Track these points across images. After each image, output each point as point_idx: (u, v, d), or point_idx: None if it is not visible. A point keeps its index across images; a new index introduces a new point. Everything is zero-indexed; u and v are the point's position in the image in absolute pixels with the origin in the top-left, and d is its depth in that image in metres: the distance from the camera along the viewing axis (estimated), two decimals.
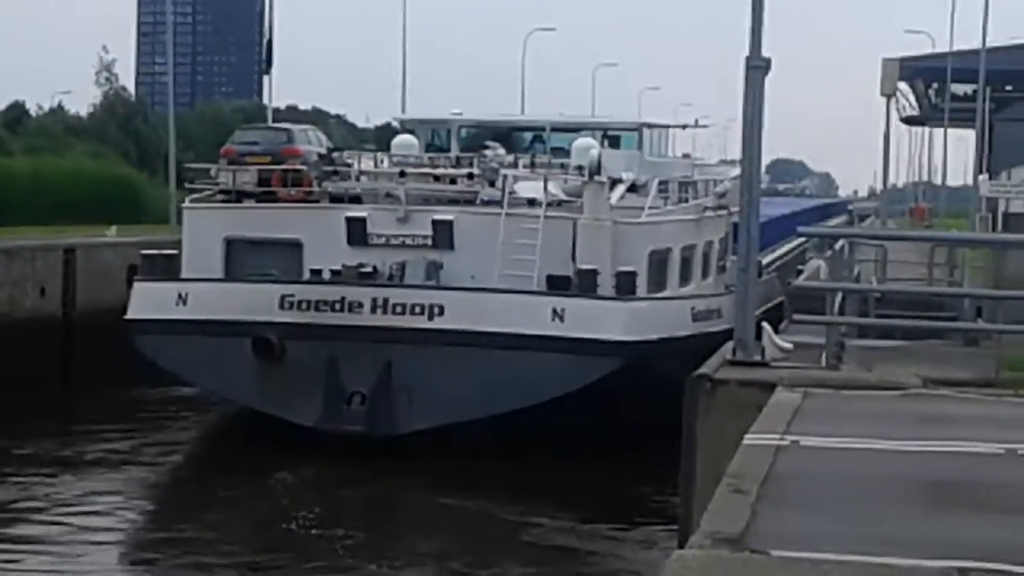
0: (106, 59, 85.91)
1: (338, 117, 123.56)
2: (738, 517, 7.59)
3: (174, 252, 28.27)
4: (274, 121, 39.51)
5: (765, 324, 15.73)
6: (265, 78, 43.75)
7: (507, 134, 33.98)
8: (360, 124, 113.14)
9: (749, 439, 10.31)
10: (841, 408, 12.48)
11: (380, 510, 22.69)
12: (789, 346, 15.54)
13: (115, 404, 30.14)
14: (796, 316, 17.51)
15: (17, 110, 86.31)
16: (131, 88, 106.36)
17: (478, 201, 28.11)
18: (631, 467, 22.67)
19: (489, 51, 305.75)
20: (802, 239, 45.49)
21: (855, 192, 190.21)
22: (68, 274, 34.07)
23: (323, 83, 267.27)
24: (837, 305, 18.30)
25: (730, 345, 15.27)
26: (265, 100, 50.57)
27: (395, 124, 35.62)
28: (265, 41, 42.14)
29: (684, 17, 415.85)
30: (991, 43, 57.23)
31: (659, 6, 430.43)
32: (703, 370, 14.33)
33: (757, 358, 15.04)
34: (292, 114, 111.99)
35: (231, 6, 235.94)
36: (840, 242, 19.80)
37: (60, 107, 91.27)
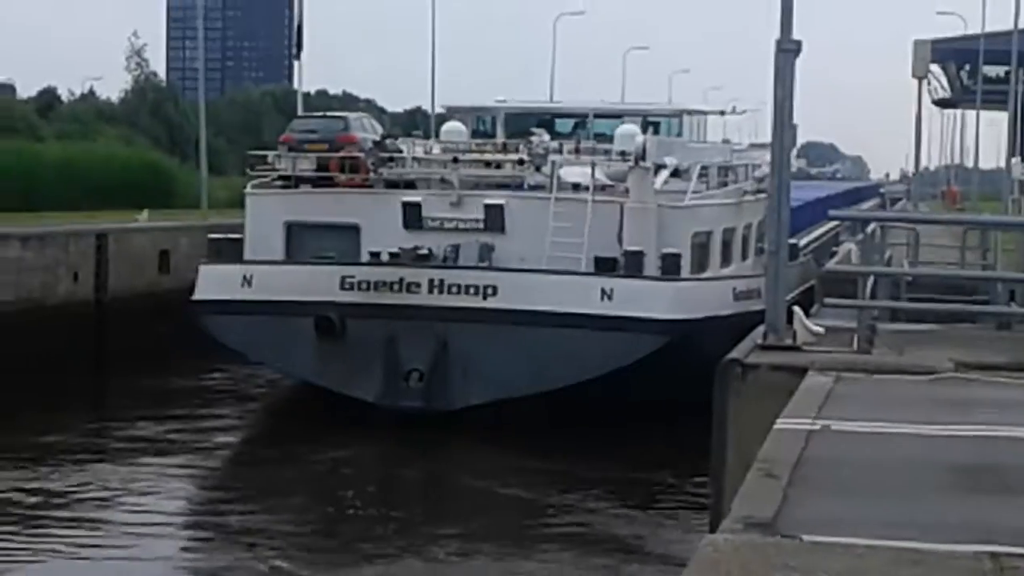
0: (136, 44, 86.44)
1: (368, 102, 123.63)
2: (769, 502, 7.58)
3: (238, 236, 29.46)
4: (304, 106, 39.77)
5: (796, 308, 15.67)
6: (295, 63, 43.72)
7: (550, 120, 35.22)
8: (389, 108, 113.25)
9: (780, 423, 10.29)
10: (873, 392, 12.44)
11: (429, 490, 23.07)
12: (820, 330, 15.49)
13: (150, 390, 30.36)
14: (827, 300, 17.43)
15: (49, 96, 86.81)
16: (162, 73, 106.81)
17: (525, 186, 29.25)
18: (673, 444, 22.97)
19: (518, 36, 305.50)
20: (836, 222, 45.36)
21: (887, 175, 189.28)
22: (100, 260, 34.23)
23: (352, 68, 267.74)
24: (869, 289, 18.21)
25: (761, 329, 15.22)
26: (295, 85, 50.63)
27: (441, 111, 36.74)
28: (295, 26, 42.14)
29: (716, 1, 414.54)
30: None
31: None
32: (734, 354, 14.28)
33: (788, 342, 14.98)
34: (322, 99, 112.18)
35: None
36: (872, 225, 19.73)
37: (91, 92, 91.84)
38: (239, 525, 20.09)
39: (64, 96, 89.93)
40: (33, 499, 21.18)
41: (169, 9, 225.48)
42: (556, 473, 22.71)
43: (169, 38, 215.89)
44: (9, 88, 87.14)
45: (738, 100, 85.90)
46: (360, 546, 18.98)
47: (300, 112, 38.19)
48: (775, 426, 10.16)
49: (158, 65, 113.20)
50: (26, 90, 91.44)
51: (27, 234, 32.61)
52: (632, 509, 20.95)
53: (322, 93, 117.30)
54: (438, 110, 44.03)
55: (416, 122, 50.16)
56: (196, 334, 29.93)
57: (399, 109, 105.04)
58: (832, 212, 22.82)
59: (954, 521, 7.51)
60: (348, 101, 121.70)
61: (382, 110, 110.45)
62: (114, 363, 32.46)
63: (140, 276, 35.75)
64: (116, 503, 21.21)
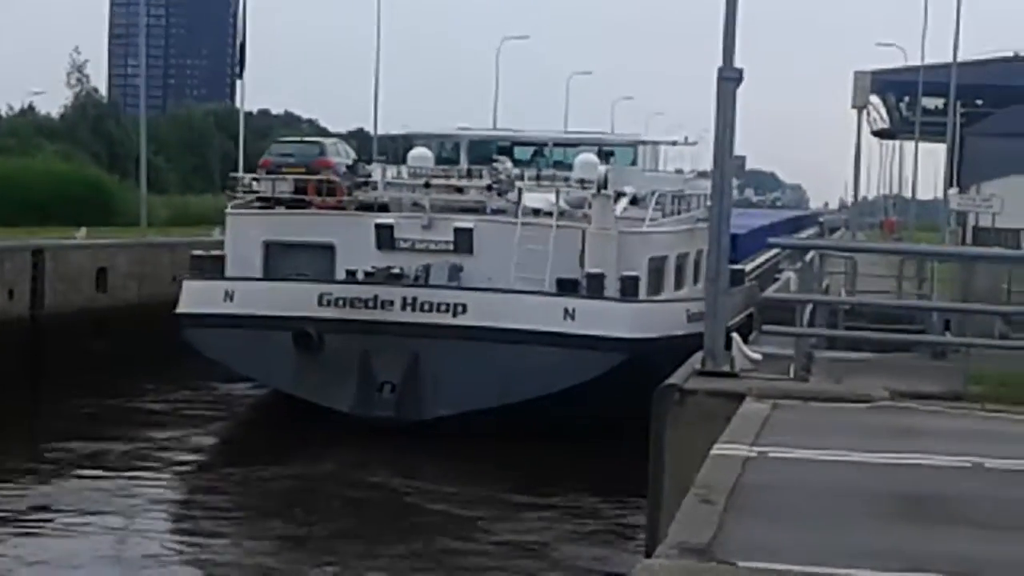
0: (78, 60, 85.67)
1: (310, 122, 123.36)
2: (705, 527, 7.60)
3: (220, 253, 31.01)
4: (246, 126, 39.88)
5: (735, 335, 15.76)
6: (238, 82, 43.62)
7: (510, 148, 37.31)
8: (332, 129, 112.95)
9: (717, 449, 10.32)
10: (809, 420, 12.51)
11: (389, 505, 23.23)
12: (758, 357, 15.57)
13: (87, 408, 30.12)
14: (766, 327, 17.53)
15: None
16: (103, 90, 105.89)
17: (488, 210, 30.96)
18: (623, 463, 23.19)
19: (462, 58, 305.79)
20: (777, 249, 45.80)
21: (826, 204, 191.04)
22: (36, 276, 33.92)
23: (294, 88, 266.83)
24: (807, 317, 18.34)
25: (700, 355, 15.28)
26: (238, 104, 50.46)
27: (385, 133, 39.12)
28: (238, 45, 42.04)
29: (658, 26, 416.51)
30: (962, 57, 57.53)
31: (633, 15, 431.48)
32: (672, 380, 14.33)
33: (726, 368, 15.05)
34: (264, 119, 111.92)
35: (204, 9, 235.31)
36: (810, 254, 19.86)
37: (31, 108, 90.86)
38: (201, 543, 20.10)
39: (3, 111, 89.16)
40: None
41: (111, 25, 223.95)
42: (509, 489, 23.33)
43: (111, 54, 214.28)
44: None
45: (681, 127, 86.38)
46: (324, 558, 19.11)
47: (241, 131, 38.43)
48: (712, 452, 10.20)
49: (99, 81, 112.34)
50: None
51: None
52: (575, 529, 21.33)
53: (264, 112, 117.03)
54: (397, 131, 45.06)
55: (381, 147, 50.41)
56: (134, 352, 29.80)
57: (341, 130, 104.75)
58: (771, 240, 22.95)
59: (885, 548, 7.55)
60: (290, 120, 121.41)
61: (324, 131, 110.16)
62: (50, 381, 32.13)
63: (77, 293, 35.44)
64: (57, 522, 20.95)
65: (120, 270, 37.56)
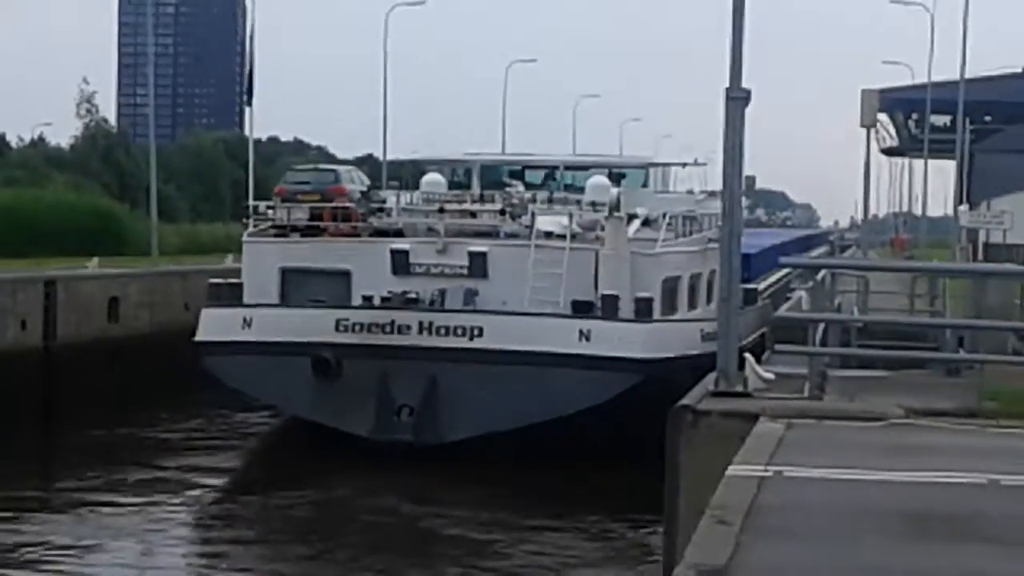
0: (87, 91, 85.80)
1: (319, 148, 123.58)
2: (722, 549, 7.59)
3: (238, 281, 31.15)
4: (255, 152, 40.02)
5: (748, 355, 15.73)
6: (247, 110, 43.68)
7: (520, 171, 37.44)
8: (340, 155, 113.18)
9: (732, 470, 10.31)
10: (824, 438, 12.49)
11: (409, 530, 23.30)
12: (771, 376, 15.55)
13: (102, 439, 30.14)
14: (778, 347, 17.51)
15: None
16: (112, 120, 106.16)
17: (501, 234, 31.08)
18: (640, 484, 23.32)
19: (470, 83, 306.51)
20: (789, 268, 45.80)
21: (836, 223, 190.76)
22: (49, 307, 33.97)
23: (302, 114, 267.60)
24: (819, 335, 18.31)
25: (713, 376, 15.26)
26: (247, 132, 50.59)
27: (423, 164, 38.96)
28: (247, 73, 42.15)
29: (664, 51, 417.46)
30: (969, 74, 57.56)
31: (640, 39, 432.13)
32: (685, 401, 14.31)
33: (740, 388, 15.03)
34: (274, 145, 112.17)
35: (211, 38, 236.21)
36: (822, 273, 19.83)
37: (41, 139, 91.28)
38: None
39: (13, 142, 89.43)
40: None
41: (120, 56, 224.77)
42: (525, 512, 23.37)
43: (120, 84, 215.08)
44: None
45: (689, 148, 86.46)
46: None
47: (251, 158, 38.51)
48: (727, 473, 10.18)
49: (109, 111, 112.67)
50: None
51: None
52: (593, 552, 21.38)
53: (273, 139, 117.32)
54: (406, 157, 45.44)
55: (391, 173, 50.68)
56: (147, 382, 29.70)
57: (350, 156, 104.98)
58: (783, 259, 22.96)
59: (904, 567, 7.54)
60: (299, 147, 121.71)
61: (333, 157, 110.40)
62: (63, 411, 32.15)
63: (89, 324, 35.48)
64: (75, 553, 20.90)
65: (132, 299, 37.59)
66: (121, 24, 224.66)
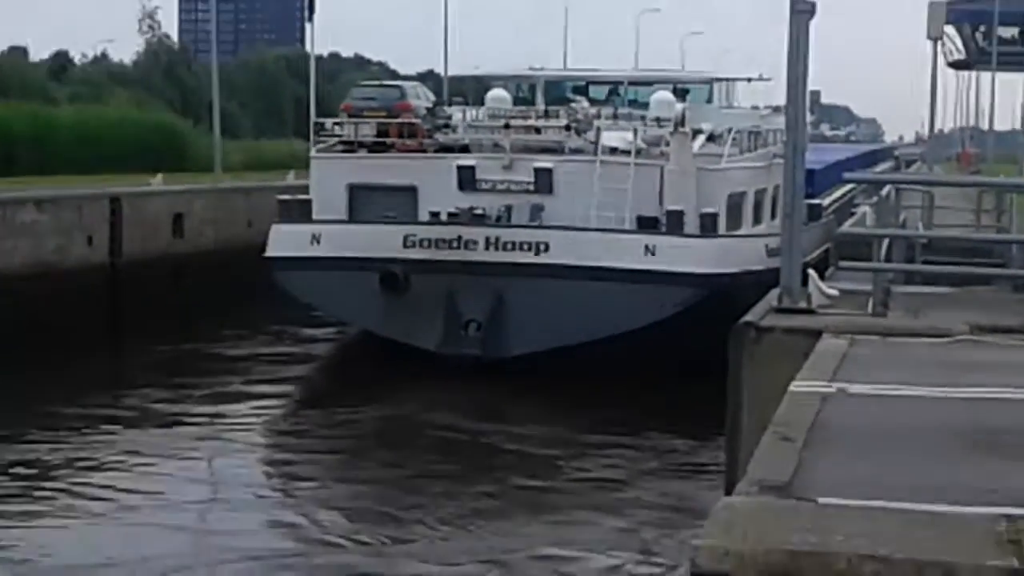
0: (149, 7, 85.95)
1: (380, 64, 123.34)
2: (784, 465, 7.59)
3: (307, 197, 31.77)
4: (317, 69, 40.02)
5: (811, 271, 15.67)
6: (308, 25, 43.62)
7: (584, 87, 37.78)
8: (402, 71, 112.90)
9: (795, 387, 10.29)
10: (888, 355, 12.43)
11: (476, 439, 23.70)
12: (835, 292, 15.49)
13: (166, 355, 30.54)
14: (842, 263, 17.42)
15: (61, 59, 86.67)
16: (174, 36, 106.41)
17: (566, 150, 31.54)
18: (704, 401, 23.47)
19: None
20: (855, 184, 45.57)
21: (900, 137, 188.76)
22: (115, 223, 34.29)
23: (363, 30, 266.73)
24: (884, 252, 18.19)
25: (776, 292, 15.21)
26: (308, 48, 50.56)
27: (487, 80, 39.33)
28: None
29: None
30: None
31: None
32: (748, 318, 14.27)
33: (803, 305, 14.98)
34: (335, 62, 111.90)
35: None
36: (886, 188, 19.68)
37: (104, 56, 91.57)
38: (285, 486, 20.63)
39: (76, 59, 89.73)
40: (50, 469, 21.21)
41: None
42: (588, 428, 23.73)
43: (182, 1, 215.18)
44: (21, 51, 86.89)
45: (752, 62, 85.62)
46: (409, 500, 19.46)
47: (313, 75, 38.50)
48: (790, 389, 10.17)
49: (171, 28, 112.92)
50: (38, 53, 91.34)
51: (41, 198, 32.66)
52: (657, 467, 21.68)
53: (335, 55, 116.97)
54: (467, 73, 45.45)
55: (453, 88, 50.55)
56: (212, 298, 29.87)
57: (412, 72, 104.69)
58: (847, 175, 22.80)
59: (969, 484, 7.52)
60: (360, 63, 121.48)
61: (395, 73, 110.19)
62: (130, 327, 32.53)
63: (154, 240, 35.80)
64: (145, 467, 21.31)
65: (196, 216, 37.88)
66: None
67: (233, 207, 39.59)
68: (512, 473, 20.98)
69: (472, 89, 43.17)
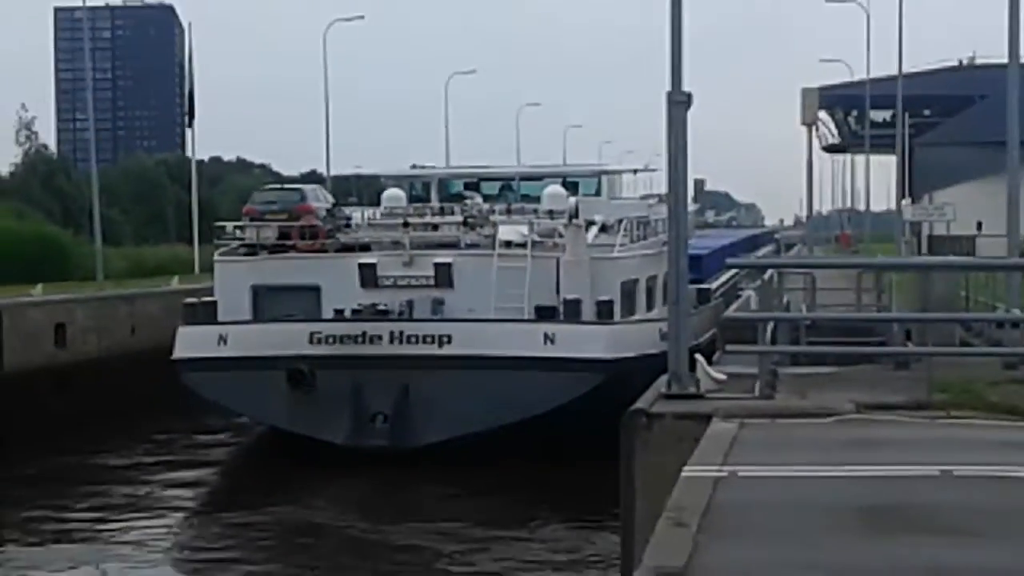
0: (25, 117, 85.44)
1: (263, 166, 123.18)
2: (680, 550, 7.59)
3: (212, 300, 31.88)
4: (198, 173, 40.03)
5: (698, 356, 15.78)
6: (188, 131, 43.55)
7: (477, 184, 38.67)
8: (285, 172, 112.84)
9: (688, 471, 10.33)
10: (777, 436, 12.53)
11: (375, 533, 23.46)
12: (723, 377, 15.59)
13: (53, 467, 29.88)
14: (729, 347, 17.57)
15: None
16: (52, 145, 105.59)
17: (463, 245, 32.05)
18: (602, 483, 23.51)
19: (410, 95, 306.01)
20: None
21: (781, 221, 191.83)
22: None
23: (244, 133, 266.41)
24: (769, 334, 18.39)
25: (665, 378, 15.29)
26: (188, 153, 50.40)
27: (382, 179, 40.43)
28: (187, 94, 42.04)
29: (603, 58, 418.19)
30: (907, 69, 58.02)
31: (580, 45, 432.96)
32: (638, 405, 14.33)
33: (692, 390, 15.07)
34: (216, 165, 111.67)
35: (150, 60, 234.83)
36: (769, 272, 19.92)
37: None
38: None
39: None
40: None
41: (58, 81, 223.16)
42: (492, 514, 23.77)
43: (59, 109, 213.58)
44: None
45: (631, 153, 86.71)
46: None
47: (194, 179, 38.60)
48: (682, 474, 10.20)
49: (48, 137, 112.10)
50: None
51: None
52: (553, 556, 21.43)
53: (216, 159, 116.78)
54: (349, 172, 45.95)
55: (351, 189, 50.82)
56: (98, 407, 29.38)
57: (294, 172, 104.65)
58: (729, 260, 23.08)
59: (862, 561, 7.57)
60: (242, 166, 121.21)
61: (277, 174, 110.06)
62: (13, 440, 31.85)
63: (36, 350, 35.20)
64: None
65: (78, 325, 37.31)
66: (58, 49, 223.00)
67: (116, 315, 39.10)
68: (414, 571, 20.78)
69: (355, 187, 43.53)
